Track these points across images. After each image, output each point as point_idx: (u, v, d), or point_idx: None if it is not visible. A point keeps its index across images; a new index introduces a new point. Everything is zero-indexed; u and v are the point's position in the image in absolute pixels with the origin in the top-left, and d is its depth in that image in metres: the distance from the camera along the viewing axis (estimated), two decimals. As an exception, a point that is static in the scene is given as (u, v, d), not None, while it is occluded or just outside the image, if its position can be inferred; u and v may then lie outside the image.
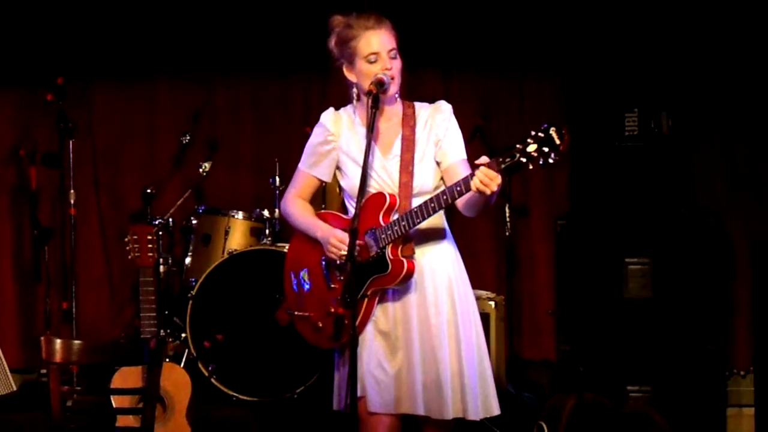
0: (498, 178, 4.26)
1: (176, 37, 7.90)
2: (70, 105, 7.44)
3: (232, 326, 6.87)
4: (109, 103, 8.05)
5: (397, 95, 4.62)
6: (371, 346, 4.54)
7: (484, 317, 6.63)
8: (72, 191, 7.42)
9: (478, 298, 6.68)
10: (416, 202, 4.52)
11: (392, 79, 4.53)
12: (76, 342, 4.37)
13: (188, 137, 7.49)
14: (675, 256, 6.93)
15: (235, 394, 6.82)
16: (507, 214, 7.39)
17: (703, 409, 6.88)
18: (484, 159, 4.30)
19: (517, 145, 4.24)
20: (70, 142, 7.36)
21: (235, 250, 7.11)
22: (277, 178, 7.25)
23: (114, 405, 5.58)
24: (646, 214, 7.01)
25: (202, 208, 7.45)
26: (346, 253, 4.38)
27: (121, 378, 5.62)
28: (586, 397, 6.29)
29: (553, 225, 7.39)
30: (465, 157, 4.63)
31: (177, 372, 5.87)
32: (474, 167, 4.30)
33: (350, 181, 4.63)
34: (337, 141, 4.66)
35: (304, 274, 4.74)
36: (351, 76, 4.61)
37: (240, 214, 7.36)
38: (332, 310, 4.55)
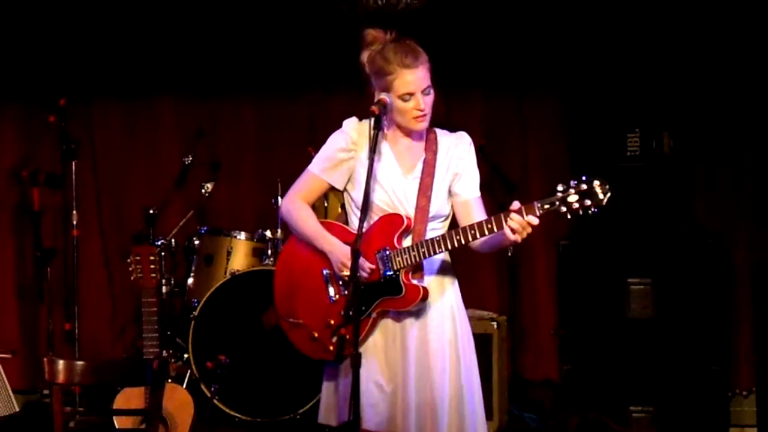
0: (534, 223, 4.30)
1: (179, 56, 7.92)
2: (73, 125, 7.45)
3: (235, 347, 6.86)
4: (111, 124, 8.07)
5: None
6: (367, 364, 4.52)
7: (487, 337, 6.66)
8: (74, 212, 7.44)
9: (480, 318, 6.74)
10: (429, 227, 4.53)
11: (424, 115, 4.49)
12: (79, 363, 4.37)
13: (191, 158, 7.50)
14: (677, 276, 6.93)
15: (237, 414, 6.82)
16: (509, 234, 7.39)
17: (706, 429, 6.87)
18: (516, 204, 4.33)
19: (558, 193, 4.28)
20: (73, 163, 7.38)
21: (238, 270, 7.11)
22: (280, 199, 7.24)
23: (116, 426, 5.58)
24: (648, 234, 7.01)
25: (205, 228, 7.46)
26: (356, 269, 4.35)
27: (123, 399, 5.61)
28: (588, 417, 6.29)
29: (555, 245, 7.40)
30: (480, 194, 4.64)
31: (179, 393, 5.86)
32: (509, 209, 4.32)
33: (362, 193, 4.56)
34: (357, 152, 4.57)
35: (299, 280, 4.68)
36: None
37: (242, 235, 7.37)
38: (332, 322, 4.55)
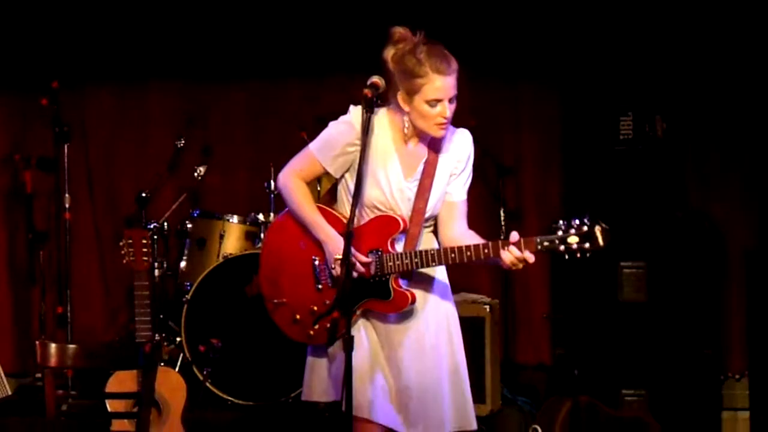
0: (530, 261, 4.32)
1: (170, 41, 7.90)
2: (65, 109, 7.43)
3: (227, 330, 6.86)
4: (103, 107, 8.05)
5: None
6: (360, 354, 4.52)
7: (479, 321, 6.67)
8: (67, 195, 7.41)
9: (473, 302, 6.75)
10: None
11: (447, 123, 4.45)
12: (71, 346, 4.37)
13: (183, 141, 7.49)
14: (670, 260, 6.94)
15: (230, 398, 6.82)
16: (502, 218, 7.41)
17: (698, 412, 6.88)
18: (515, 236, 4.33)
19: (559, 232, 4.31)
20: (65, 147, 7.36)
21: (230, 254, 7.10)
22: (272, 182, 7.24)
23: (109, 409, 5.59)
24: (641, 217, 7.01)
25: (197, 212, 7.45)
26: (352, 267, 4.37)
27: (116, 382, 5.62)
28: (581, 400, 6.30)
29: (547, 229, 7.38)
30: (466, 198, 4.62)
31: (172, 376, 5.87)
32: (508, 240, 4.33)
33: (365, 191, 4.52)
34: (359, 146, 4.51)
35: (287, 261, 4.65)
36: (403, 104, 4.45)
37: (235, 218, 7.36)
38: (315, 309, 4.55)
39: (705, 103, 7.48)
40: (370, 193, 4.51)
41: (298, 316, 4.62)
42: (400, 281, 4.50)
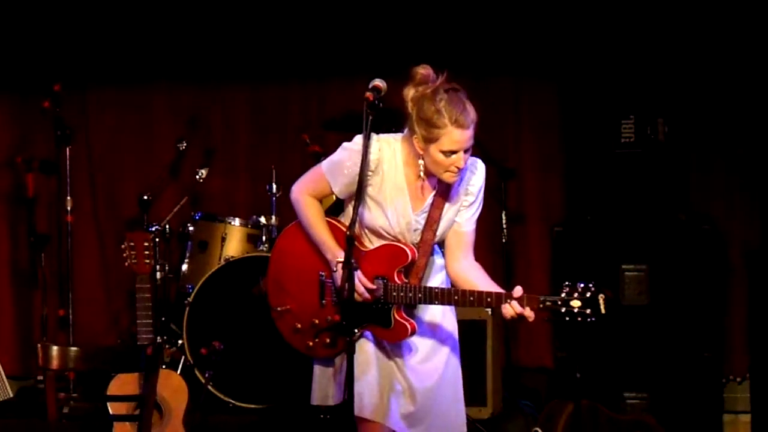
0: (529, 319, 4.34)
1: (173, 43, 7.91)
2: (67, 112, 7.44)
3: (229, 333, 6.86)
4: (105, 110, 8.06)
5: None
6: (368, 358, 4.54)
7: (481, 323, 6.66)
8: (69, 198, 7.42)
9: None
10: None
11: (459, 172, 4.44)
12: (73, 348, 4.37)
13: (185, 144, 7.49)
14: (671, 263, 6.94)
15: (231, 401, 6.82)
16: (503, 221, 7.40)
17: (700, 415, 6.88)
18: (519, 290, 4.34)
19: (563, 294, 4.31)
20: (67, 149, 7.37)
21: (232, 257, 7.11)
22: (274, 185, 7.24)
23: (110, 412, 5.58)
24: (643, 220, 7.01)
25: (199, 214, 7.45)
26: (361, 294, 4.42)
27: (117, 385, 5.61)
28: (582, 403, 6.30)
29: (549, 232, 7.39)
30: (474, 228, 4.63)
31: (174, 379, 5.86)
32: (511, 294, 4.35)
33: (371, 218, 4.53)
34: (372, 176, 4.50)
35: (294, 271, 4.66)
36: (418, 147, 4.42)
37: (237, 221, 7.36)
38: (316, 322, 4.56)
39: (707, 106, 7.48)
40: (376, 220, 4.52)
41: (299, 326, 4.63)
42: (402, 311, 4.51)
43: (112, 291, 7.99)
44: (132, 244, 5.67)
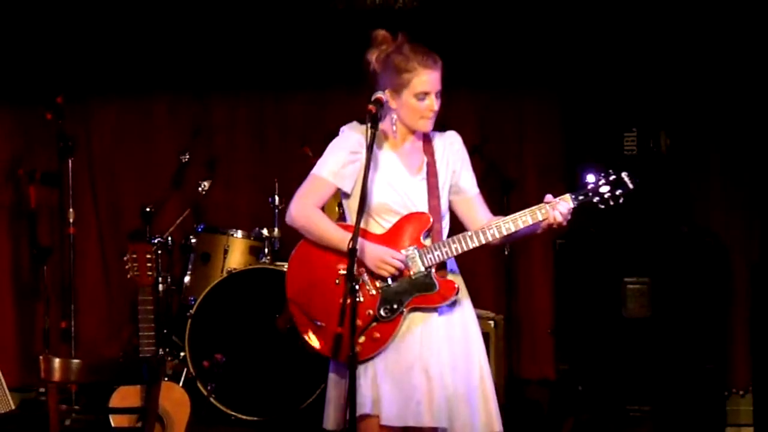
0: (563, 221, 4.54)
1: (174, 55, 7.92)
2: (69, 123, 7.44)
3: (231, 345, 6.86)
4: (107, 122, 8.07)
5: None
6: (394, 357, 4.52)
7: (484, 336, 6.56)
8: (71, 210, 7.42)
9: (478, 317, 6.73)
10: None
11: (433, 116, 4.55)
12: (75, 361, 4.36)
13: (187, 156, 7.50)
14: (674, 276, 6.93)
15: (233, 413, 6.82)
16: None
17: (702, 428, 6.87)
18: (549, 197, 4.55)
19: (590, 185, 4.53)
20: (69, 161, 7.37)
21: (234, 269, 7.11)
22: (277, 197, 7.25)
23: (112, 424, 5.58)
24: (645, 233, 7.01)
25: (201, 226, 7.46)
26: (401, 267, 4.46)
27: (119, 397, 5.61)
28: (582, 418, 6.29)
29: (551, 244, 7.39)
30: (479, 190, 4.71)
31: (176, 391, 5.86)
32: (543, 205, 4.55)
33: (377, 196, 4.54)
34: (362, 153, 4.50)
35: (318, 286, 4.58)
36: (391, 102, 4.52)
37: (239, 233, 7.37)
38: (359, 323, 4.46)
39: (709, 119, 7.48)
40: (385, 197, 4.54)
41: (339, 330, 4.46)
42: (440, 272, 4.54)
43: (114, 303, 7.99)
44: (134, 255, 5.67)
